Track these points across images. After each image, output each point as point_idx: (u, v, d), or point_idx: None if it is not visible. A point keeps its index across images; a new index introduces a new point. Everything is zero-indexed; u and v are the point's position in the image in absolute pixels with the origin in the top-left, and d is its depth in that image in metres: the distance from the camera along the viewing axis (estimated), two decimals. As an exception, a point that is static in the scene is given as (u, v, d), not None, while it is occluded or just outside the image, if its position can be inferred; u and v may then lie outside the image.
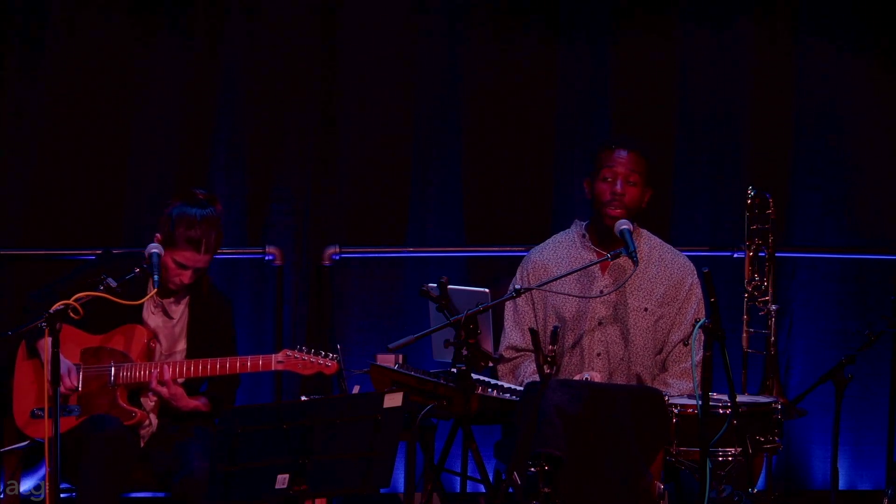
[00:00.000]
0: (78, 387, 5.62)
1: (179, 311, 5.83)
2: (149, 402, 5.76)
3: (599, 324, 5.77)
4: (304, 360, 5.72)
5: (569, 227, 5.98)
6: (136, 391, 5.74)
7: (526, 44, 7.18)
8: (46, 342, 5.26)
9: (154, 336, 5.76)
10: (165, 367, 5.65)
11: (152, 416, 5.75)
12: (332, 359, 5.75)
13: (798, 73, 7.26)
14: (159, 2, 6.96)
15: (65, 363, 5.59)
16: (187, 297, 5.84)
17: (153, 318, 5.80)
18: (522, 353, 5.85)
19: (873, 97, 7.26)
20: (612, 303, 5.78)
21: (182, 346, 5.83)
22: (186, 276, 5.72)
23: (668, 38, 7.23)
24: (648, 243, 5.87)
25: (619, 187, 5.72)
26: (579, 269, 5.76)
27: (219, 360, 5.69)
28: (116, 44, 6.93)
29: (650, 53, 7.23)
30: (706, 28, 7.23)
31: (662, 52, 7.24)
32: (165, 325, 5.81)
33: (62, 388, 5.51)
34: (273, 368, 5.72)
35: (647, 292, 5.79)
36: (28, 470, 5.92)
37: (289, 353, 5.73)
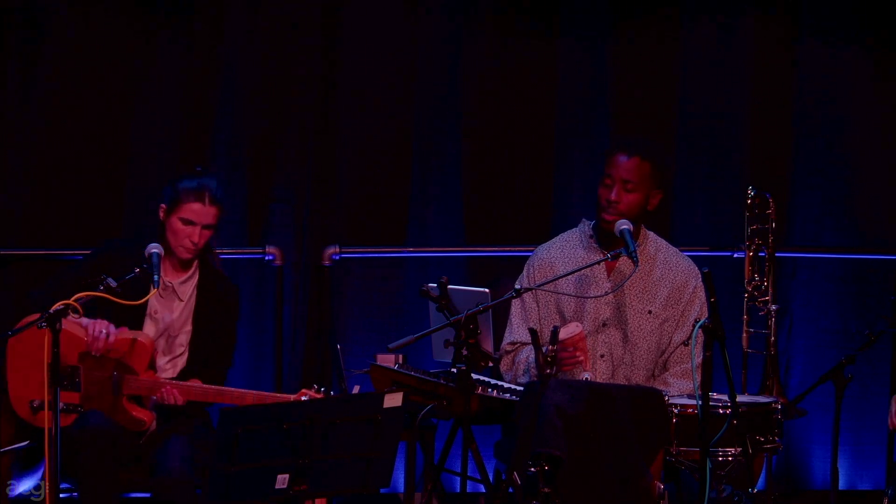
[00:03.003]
0: (110, 340, 5.58)
1: (188, 292, 5.82)
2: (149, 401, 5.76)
3: (603, 325, 5.77)
4: None
5: (576, 226, 5.96)
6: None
7: (526, 44, 7.18)
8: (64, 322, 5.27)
9: (158, 337, 5.75)
10: (177, 392, 5.62)
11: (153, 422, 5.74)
12: None
13: (798, 73, 7.26)
14: (159, 1, 6.96)
15: (99, 322, 5.56)
16: (196, 279, 5.83)
17: (161, 301, 5.78)
18: (525, 345, 5.85)
19: (873, 97, 7.26)
20: (614, 305, 5.78)
21: (188, 327, 5.81)
22: (196, 235, 5.71)
23: (668, 38, 7.23)
24: (654, 245, 5.86)
25: (613, 195, 5.71)
26: (581, 269, 5.75)
27: (236, 390, 5.66)
28: (116, 43, 6.93)
29: (650, 53, 7.23)
30: (706, 28, 7.23)
31: (663, 51, 7.24)
32: (173, 307, 5.79)
33: (100, 345, 5.52)
34: None
35: (650, 295, 5.78)
36: (28, 470, 5.92)
37: (307, 393, 5.71)
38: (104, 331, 5.54)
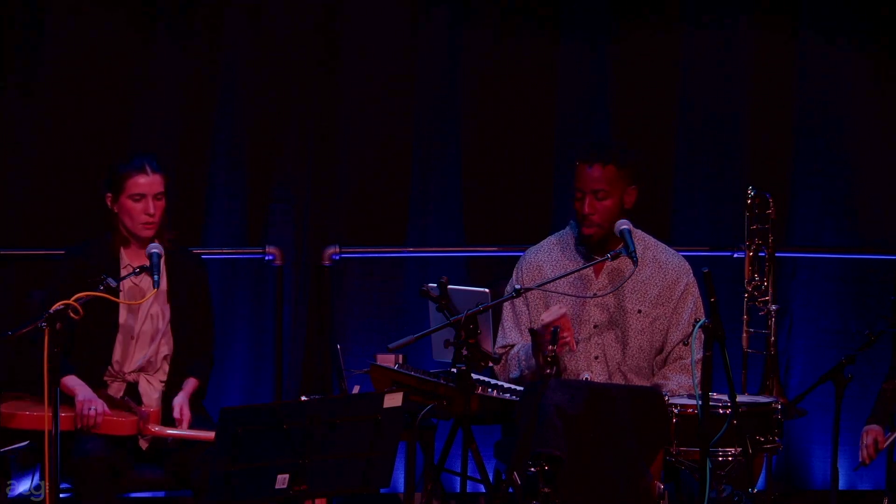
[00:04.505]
0: (99, 419, 5.58)
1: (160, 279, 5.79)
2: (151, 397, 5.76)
3: (595, 327, 5.77)
4: None
5: (565, 229, 5.96)
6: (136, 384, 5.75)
7: (526, 44, 7.18)
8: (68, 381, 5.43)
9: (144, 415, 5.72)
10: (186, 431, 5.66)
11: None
12: None
13: (798, 73, 7.26)
14: (159, 2, 6.96)
15: (96, 400, 5.56)
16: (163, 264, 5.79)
17: (135, 290, 5.76)
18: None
19: (873, 97, 7.26)
20: (607, 306, 5.77)
21: (167, 309, 5.80)
22: (150, 207, 5.72)
23: (669, 37, 7.23)
24: (643, 244, 5.84)
25: (586, 207, 5.69)
26: (575, 272, 5.75)
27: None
28: (116, 44, 6.93)
29: (650, 53, 7.24)
30: (706, 28, 7.23)
31: (663, 51, 7.24)
32: (146, 294, 5.76)
33: (89, 423, 5.51)
34: None
35: (641, 294, 5.78)
36: (28, 470, 5.91)
37: None
38: (93, 408, 5.53)
